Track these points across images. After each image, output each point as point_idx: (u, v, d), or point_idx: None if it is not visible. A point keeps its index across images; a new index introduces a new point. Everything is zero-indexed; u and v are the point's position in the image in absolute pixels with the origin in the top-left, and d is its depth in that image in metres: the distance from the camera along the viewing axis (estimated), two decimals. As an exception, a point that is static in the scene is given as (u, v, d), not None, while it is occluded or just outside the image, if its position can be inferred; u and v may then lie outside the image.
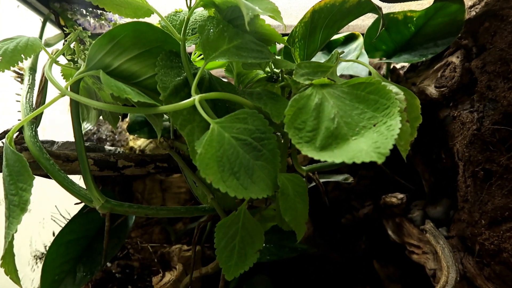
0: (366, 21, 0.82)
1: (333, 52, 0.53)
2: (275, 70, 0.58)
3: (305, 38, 0.57)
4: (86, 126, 0.63)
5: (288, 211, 0.45)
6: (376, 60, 0.92)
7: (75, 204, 0.55)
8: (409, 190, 0.80)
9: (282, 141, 0.55)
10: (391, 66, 0.75)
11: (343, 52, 0.62)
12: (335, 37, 0.78)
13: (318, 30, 0.57)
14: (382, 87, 0.43)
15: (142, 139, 0.91)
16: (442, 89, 0.63)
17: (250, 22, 0.51)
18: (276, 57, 0.55)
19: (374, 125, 0.42)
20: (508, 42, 0.53)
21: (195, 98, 0.44)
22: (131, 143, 0.87)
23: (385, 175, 0.87)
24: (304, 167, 0.66)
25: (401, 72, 0.75)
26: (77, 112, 0.48)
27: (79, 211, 0.65)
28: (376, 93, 0.44)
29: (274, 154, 0.45)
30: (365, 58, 0.78)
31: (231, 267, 0.47)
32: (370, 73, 0.84)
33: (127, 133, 0.89)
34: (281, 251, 0.72)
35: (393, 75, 0.74)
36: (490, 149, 0.55)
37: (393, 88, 0.44)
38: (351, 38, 0.76)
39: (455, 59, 0.62)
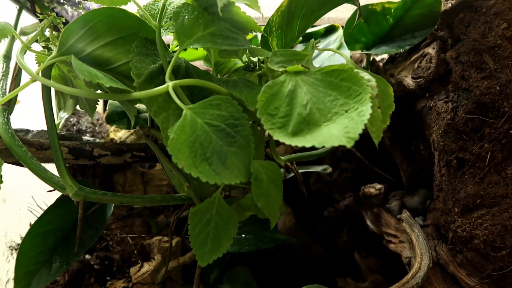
0: (345, 13, 0.83)
1: (309, 41, 0.53)
2: (252, 59, 0.58)
3: (282, 28, 0.57)
4: (63, 115, 0.62)
5: (261, 197, 0.45)
6: (358, 53, 0.93)
7: (48, 191, 0.54)
8: (389, 181, 0.81)
9: (259, 129, 0.55)
10: (371, 58, 0.76)
11: (320, 41, 0.63)
12: (315, 28, 0.79)
13: (296, 20, 0.57)
14: (354, 74, 0.44)
15: (123, 131, 0.90)
16: (419, 80, 0.64)
17: (225, 9, 0.51)
18: (254, 46, 0.56)
19: (346, 111, 0.42)
20: (481, 33, 0.54)
21: (169, 84, 0.44)
22: (111, 135, 0.86)
23: (367, 168, 0.88)
24: (282, 157, 0.66)
25: (381, 64, 0.76)
26: (49, 98, 0.47)
27: (56, 201, 0.64)
28: (349, 80, 0.44)
29: (248, 140, 0.45)
30: (345, 50, 0.78)
31: (205, 253, 0.47)
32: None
33: (108, 125, 0.88)
34: (260, 241, 0.72)
35: (372, 66, 0.75)
36: (463, 138, 0.56)
37: (365, 75, 0.44)
38: (331, 30, 0.76)
39: (431, 50, 0.63)
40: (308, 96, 0.44)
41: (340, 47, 0.76)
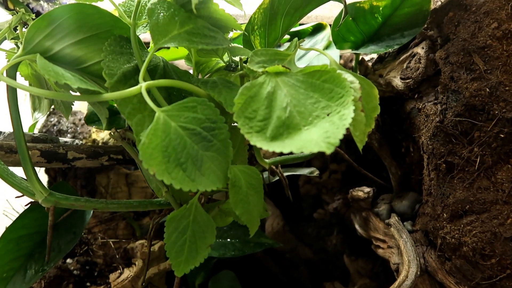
0: (334, 11, 0.81)
1: (292, 40, 0.51)
2: (234, 58, 0.55)
3: (265, 26, 0.55)
4: (38, 115, 0.60)
5: (239, 204, 0.43)
6: (348, 53, 0.91)
7: (16, 197, 0.52)
8: (378, 184, 0.80)
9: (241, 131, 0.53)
10: (360, 58, 0.74)
11: (304, 40, 0.60)
12: (303, 27, 0.76)
13: (279, 18, 0.55)
14: (337, 76, 0.42)
15: (106, 132, 0.87)
16: (407, 81, 0.62)
17: (202, 6, 0.48)
18: (236, 45, 0.53)
19: (328, 115, 0.40)
20: (471, 33, 0.52)
21: (142, 85, 0.42)
22: (94, 136, 0.84)
23: (356, 170, 0.86)
24: (267, 160, 0.64)
25: (370, 63, 0.74)
26: (15, 99, 0.44)
27: (32, 205, 0.62)
28: (331, 82, 0.42)
29: (226, 144, 0.43)
30: (333, 50, 0.76)
31: (181, 262, 0.45)
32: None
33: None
34: (246, 246, 0.70)
35: (361, 66, 0.73)
36: (452, 142, 0.55)
37: (349, 77, 0.42)
38: (318, 28, 0.74)
39: (420, 50, 0.61)
40: (288, 99, 0.42)
41: (328, 46, 0.74)
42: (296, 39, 0.50)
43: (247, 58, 0.55)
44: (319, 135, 0.37)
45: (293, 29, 0.78)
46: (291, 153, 0.65)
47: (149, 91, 0.46)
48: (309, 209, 1.04)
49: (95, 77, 0.47)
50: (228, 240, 0.72)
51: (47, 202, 0.46)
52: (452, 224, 0.54)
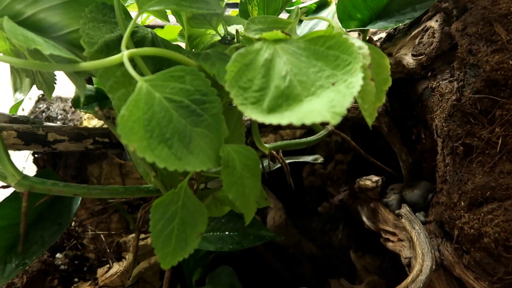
0: (339, -13, 0.75)
1: (293, 8, 0.46)
2: (230, 31, 0.51)
3: (264, -6, 0.50)
4: (19, 96, 0.55)
5: (233, 187, 0.38)
6: (355, 33, 0.85)
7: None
8: (387, 173, 0.74)
9: (237, 109, 0.48)
10: (367, 37, 0.69)
11: (306, 9, 0.56)
12: (305, 4, 0.71)
13: (279, -14, 0.50)
14: (343, 41, 0.37)
15: (100, 121, 0.83)
16: (420, 57, 0.56)
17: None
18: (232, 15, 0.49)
19: (333, 84, 0.35)
20: (492, -1, 0.47)
21: (124, 53, 0.37)
22: (85, 123, 0.79)
23: (364, 160, 0.81)
24: (267, 145, 0.59)
25: (378, 43, 0.68)
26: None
27: (13, 194, 0.57)
28: (336, 48, 0.37)
29: (218, 120, 0.38)
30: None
31: (168, 254, 0.40)
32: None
33: (82, 112, 0.81)
34: (245, 239, 0.65)
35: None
36: (470, 122, 0.49)
37: (357, 42, 0.37)
38: (323, 5, 0.69)
39: (433, 24, 0.55)
40: (288, 67, 0.37)
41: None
42: (297, 7, 0.45)
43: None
44: (323, 105, 0.33)
45: (295, 6, 0.73)
46: (298, 138, 0.59)
47: (134, 63, 0.42)
48: (313, 202, 0.99)
49: (73, 46, 0.43)
50: (226, 233, 0.67)
51: (20, 186, 0.42)
52: (471, 213, 0.48)
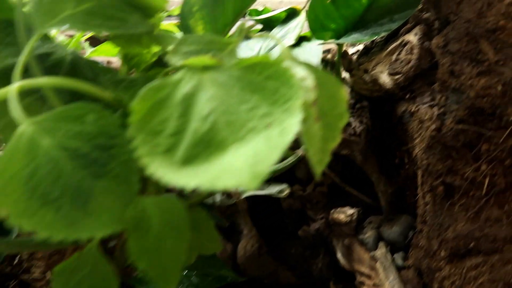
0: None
1: (239, 24, 0.38)
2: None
3: (208, 7, 0.42)
4: None
5: (145, 255, 0.30)
6: (333, 44, 0.77)
7: None
8: (368, 203, 0.67)
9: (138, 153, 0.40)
10: (342, 50, 0.61)
11: (255, 24, 0.48)
12: (275, 13, 0.64)
13: (227, -5, 0.42)
14: (283, 70, 0.29)
15: None
16: (397, 77, 0.49)
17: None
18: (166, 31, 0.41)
19: (268, 126, 0.28)
20: (477, 11, 0.39)
21: (13, 86, 0.30)
22: None
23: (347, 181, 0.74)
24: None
25: (355, 57, 0.61)
26: None
27: None
28: (276, 79, 0.30)
29: (129, 168, 0.31)
30: (313, 41, 0.64)
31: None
32: (322, 59, 0.69)
33: None
34: (204, 281, 0.58)
35: (344, 60, 0.60)
36: (452, 157, 0.42)
37: (300, 71, 0.30)
38: (292, 14, 0.61)
39: (412, 37, 0.48)
40: (213, 104, 0.29)
41: (306, 37, 0.61)
42: (243, 23, 0.38)
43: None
44: (245, 159, 0.25)
45: (263, 16, 0.66)
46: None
47: (40, 95, 0.35)
48: (293, 224, 0.91)
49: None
50: (184, 273, 0.59)
51: None
52: (452, 266, 0.41)
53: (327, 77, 0.33)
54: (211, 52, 0.36)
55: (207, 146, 0.28)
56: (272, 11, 0.64)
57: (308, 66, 0.33)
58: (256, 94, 0.30)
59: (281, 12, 0.62)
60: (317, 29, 0.59)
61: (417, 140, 0.47)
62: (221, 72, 0.31)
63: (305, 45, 0.67)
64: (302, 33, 0.60)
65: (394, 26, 0.49)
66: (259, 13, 0.67)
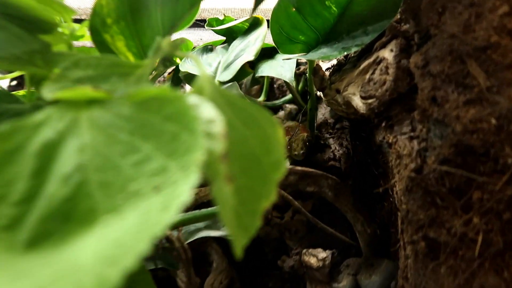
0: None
1: (155, 41, 0.30)
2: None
3: (126, 18, 0.34)
4: None
5: None
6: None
7: None
8: (346, 243, 0.58)
9: None
10: (314, 66, 0.52)
11: (181, 40, 0.39)
12: (237, 22, 0.55)
13: (151, 4, 0.34)
14: (185, 109, 0.21)
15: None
16: (370, 101, 0.40)
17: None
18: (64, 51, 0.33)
19: (157, 189, 0.19)
20: (463, 24, 0.30)
21: None
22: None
23: (328, 207, 0.65)
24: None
25: (328, 72, 0.52)
26: None
27: None
28: (176, 120, 0.22)
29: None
30: (279, 55, 0.56)
31: None
32: (294, 76, 0.61)
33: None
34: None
35: (316, 77, 0.52)
36: (436, 204, 0.33)
37: (206, 110, 0.21)
38: (255, 24, 0.53)
39: (387, 54, 0.39)
40: (83, 156, 0.21)
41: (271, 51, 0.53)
42: (157, 38, 0.29)
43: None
44: (99, 252, 0.17)
45: (224, 26, 0.57)
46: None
47: None
48: (272, 252, 0.82)
49: None
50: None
51: None
52: None
53: (259, 112, 0.25)
54: (115, 77, 0.28)
55: (64, 220, 0.20)
56: (235, 20, 0.56)
57: (229, 99, 0.24)
58: (150, 141, 0.21)
59: (243, 22, 0.54)
60: (283, 42, 0.50)
61: (396, 178, 0.39)
62: (107, 109, 0.23)
63: (278, 58, 0.59)
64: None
65: (367, 40, 0.41)
66: (220, 22, 0.59)
